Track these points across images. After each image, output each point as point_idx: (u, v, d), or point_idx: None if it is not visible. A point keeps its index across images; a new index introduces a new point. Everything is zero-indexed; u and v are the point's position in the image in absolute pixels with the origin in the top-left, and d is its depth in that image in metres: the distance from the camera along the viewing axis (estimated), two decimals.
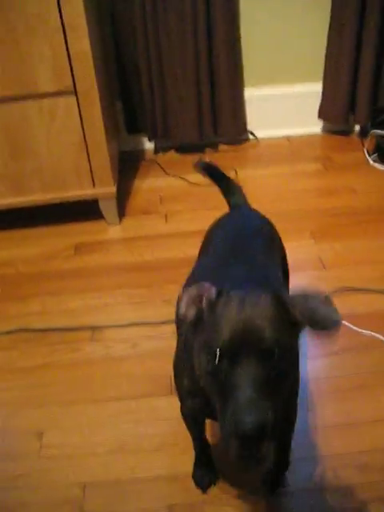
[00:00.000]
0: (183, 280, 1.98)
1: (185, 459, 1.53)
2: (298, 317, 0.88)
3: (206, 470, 1.47)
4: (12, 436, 1.63)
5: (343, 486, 1.45)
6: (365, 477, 1.47)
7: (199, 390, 1.00)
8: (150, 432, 1.61)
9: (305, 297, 0.91)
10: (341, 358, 1.78)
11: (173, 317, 1.95)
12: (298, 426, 1.43)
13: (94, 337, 1.93)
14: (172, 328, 1.92)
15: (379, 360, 1.78)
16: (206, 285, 0.94)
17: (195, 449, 1.47)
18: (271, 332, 0.85)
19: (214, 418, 1.08)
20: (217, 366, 0.86)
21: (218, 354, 0.85)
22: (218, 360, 0.85)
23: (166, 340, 1.89)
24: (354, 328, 1.85)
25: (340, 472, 1.48)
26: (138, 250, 2.32)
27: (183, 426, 1.59)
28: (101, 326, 1.97)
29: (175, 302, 1.08)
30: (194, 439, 1.43)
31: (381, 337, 1.84)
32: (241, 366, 0.84)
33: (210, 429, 1.49)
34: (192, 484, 1.47)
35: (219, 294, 0.92)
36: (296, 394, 1.17)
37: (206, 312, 0.91)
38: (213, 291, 0.92)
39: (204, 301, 0.92)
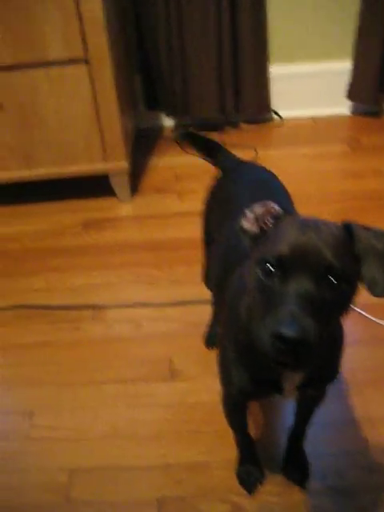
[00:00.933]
0: (193, 260, 1.90)
1: (180, 449, 1.44)
2: (357, 253, 0.84)
3: (252, 468, 1.37)
4: (1, 415, 1.55)
5: (351, 486, 1.34)
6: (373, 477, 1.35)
7: (245, 359, 1.00)
8: (146, 418, 1.52)
9: (377, 237, 0.84)
10: (356, 349, 1.65)
11: (181, 298, 1.88)
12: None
13: (96, 316, 1.84)
14: (179, 311, 1.84)
15: None
16: (272, 203, 0.91)
17: (239, 444, 1.37)
18: (332, 255, 0.80)
19: (259, 395, 1.12)
20: (269, 278, 0.81)
21: (271, 261, 0.81)
22: (272, 272, 0.81)
23: (171, 322, 1.81)
24: (372, 318, 1.72)
25: (348, 472, 1.37)
26: (149, 229, 2.22)
27: (181, 413, 1.51)
28: (104, 305, 1.88)
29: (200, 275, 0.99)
30: (238, 432, 1.33)
31: None
32: (292, 280, 0.79)
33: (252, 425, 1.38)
34: (185, 475, 1.38)
35: (284, 211, 0.90)
36: (340, 343, 1.07)
37: (269, 227, 0.88)
38: (278, 209, 0.89)
39: (269, 218, 0.89)
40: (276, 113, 2.89)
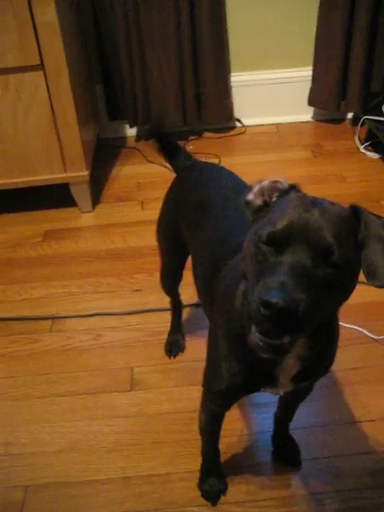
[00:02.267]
0: (154, 268, 1.86)
1: (139, 461, 1.40)
2: (361, 239, 0.81)
3: (215, 479, 1.32)
4: None
5: (314, 494, 1.31)
6: (337, 484, 1.32)
7: (236, 347, 0.97)
8: (104, 430, 1.47)
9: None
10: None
11: (141, 307, 1.84)
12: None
13: (55, 327, 1.80)
14: (139, 319, 1.80)
15: (361, 356, 1.64)
16: (281, 179, 0.89)
17: (207, 455, 1.32)
18: (333, 236, 0.77)
19: (248, 390, 1.08)
20: (266, 248, 0.79)
21: (270, 233, 0.78)
22: (269, 242, 0.78)
23: (131, 331, 1.77)
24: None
25: (312, 477, 1.34)
26: (111, 238, 2.19)
27: (141, 424, 1.47)
28: (62, 316, 1.83)
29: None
30: (209, 442, 1.28)
31: (365, 331, 1.70)
32: (288, 252, 0.77)
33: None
34: (145, 488, 1.33)
35: (291, 188, 0.87)
36: (336, 335, 1.04)
37: (272, 201, 0.87)
38: (285, 184, 0.88)
39: (274, 192, 0.87)
40: (239, 120, 2.89)
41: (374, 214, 0.83)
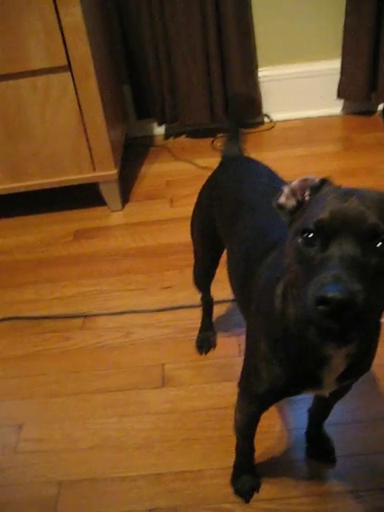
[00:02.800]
0: (185, 265, 1.86)
1: (171, 457, 1.39)
2: None
3: (248, 477, 1.31)
4: None
5: (350, 491, 1.29)
6: (373, 481, 1.29)
7: (278, 350, 0.95)
8: (136, 427, 1.47)
9: None
10: None
11: (171, 304, 1.84)
12: None
13: (86, 325, 1.81)
14: (169, 316, 1.80)
15: None
16: (310, 176, 0.87)
17: (242, 453, 1.30)
18: (376, 217, 0.74)
19: (290, 393, 1.04)
20: (310, 246, 0.76)
21: (311, 228, 0.76)
22: (312, 238, 0.76)
23: (162, 328, 1.77)
24: None
25: (347, 474, 1.31)
26: (140, 236, 2.19)
27: (172, 421, 1.47)
28: (94, 313, 1.84)
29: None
30: (246, 440, 1.26)
31: None
32: (335, 245, 0.74)
33: None
34: (177, 485, 1.33)
35: (323, 182, 0.85)
36: (379, 331, 1.00)
37: (306, 200, 0.85)
38: (316, 180, 0.86)
39: (306, 190, 0.85)
40: (267, 116, 2.87)
41: None
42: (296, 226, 0.82)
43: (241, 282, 1.19)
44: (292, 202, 0.86)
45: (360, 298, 0.69)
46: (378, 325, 0.99)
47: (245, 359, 1.09)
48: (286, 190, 0.87)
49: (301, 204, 0.85)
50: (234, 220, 1.24)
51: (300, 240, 0.77)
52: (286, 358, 0.95)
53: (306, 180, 0.86)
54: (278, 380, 0.98)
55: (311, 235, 0.76)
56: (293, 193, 0.86)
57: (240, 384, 1.13)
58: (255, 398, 1.08)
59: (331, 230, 0.75)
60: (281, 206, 0.87)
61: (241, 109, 1.53)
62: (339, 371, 0.94)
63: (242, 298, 1.20)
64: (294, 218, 0.85)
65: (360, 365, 0.98)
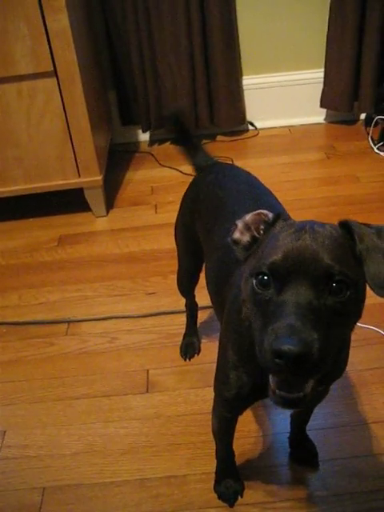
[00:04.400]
0: (169, 271, 1.87)
1: (156, 462, 1.39)
2: (359, 253, 0.78)
3: (231, 481, 1.31)
4: None
5: (333, 495, 1.30)
6: (355, 485, 1.31)
7: (245, 359, 0.96)
8: (120, 432, 1.47)
9: (379, 234, 0.79)
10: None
11: (155, 310, 1.85)
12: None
13: (70, 330, 1.80)
14: (154, 322, 1.81)
15: (378, 356, 1.62)
16: (263, 211, 0.86)
17: (221, 457, 1.31)
18: (331, 258, 0.74)
19: (257, 399, 1.07)
20: (264, 289, 0.76)
21: (265, 271, 0.76)
22: (267, 281, 0.75)
23: (147, 334, 1.77)
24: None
25: (330, 478, 1.33)
26: (125, 242, 2.19)
27: (157, 426, 1.47)
28: (78, 319, 1.84)
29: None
30: (222, 444, 1.27)
31: (381, 331, 1.68)
32: (289, 290, 0.73)
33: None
34: (162, 490, 1.33)
35: (277, 217, 0.84)
36: (348, 344, 1.01)
37: (260, 235, 0.84)
38: (270, 215, 0.84)
39: (260, 225, 0.84)
40: (251, 124, 2.89)
41: (365, 224, 0.81)
42: (251, 264, 0.82)
43: (216, 289, 1.20)
44: (246, 238, 0.85)
45: (315, 347, 0.70)
46: (347, 341, 0.99)
47: (217, 364, 1.10)
48: (239, 224, 0.86)
49: (255, 239, 0.85)
50: (212, 226, 1.25)
51: (255, 282, 0.77)
52: (253, 367, 0.95)
53: (259, 214, 0.85)
54: (245, 387, 1.00)
55: (266, 278, 0.76)
56: (247, 228, 0.85)
57: (214, 388, 1.14)
58: (225, 402, 1.10)
59: (285, 273, 0.74)
60: (236, 242, 0.86)
61: (181, 118, 1.53)
62: None
63: (216, 303, 1.21)
64: (249, 254, 0.85)
65: (329, 375, 0.98)
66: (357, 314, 0.79)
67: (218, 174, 1.37)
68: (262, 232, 0.84)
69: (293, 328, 0.70)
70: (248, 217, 0.86)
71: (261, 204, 1.17)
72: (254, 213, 0.86)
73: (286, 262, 0.75)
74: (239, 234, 0.86)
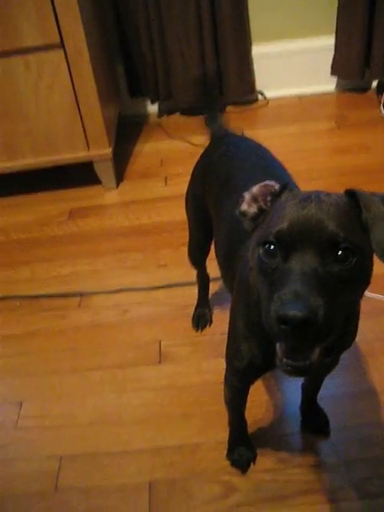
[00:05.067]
0: (180, 243, 1.87)
1: (169, 432, 1.42)
2: (365, 221, 0.78)
3: (244, 448, 1.34)
4: None
5: (343, 462, 1.32)
6: (366, 452, 1.33)
7: (255, 330, 0.97)
8: (134, 403, 1.50)
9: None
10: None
11: (167, 282, 1.86)
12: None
13: (82, 303, 1.82)
14: (165, 294, 1.82)
15: None
16: (270, 182, 0.87)
17: (233, 426, 1.33)
18: (336, 225, 0.75)
19: (268, 368, 1.05)
20: (271, 257, 0.77)
21: (272, 240, 0.77)
22: (273, 250, 0.77)
23: (158, 306, 1.79)
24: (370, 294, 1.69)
25: (341, 445, 1.35)
26: (135, 214, 2.20)
27: (170, 397, 1.49)
28: (90, 292, 1.86)
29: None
30: (234, 414, 1.29)
31: None
32: (295, 257, 0.74)
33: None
34: (176, 458, 1.36)
35: (283, 188, 0.85)
36: (357, 312, 1.02)
37: (267, 206, 0.85)
38: (276, 186, 0.85)
39: (267, 197, 0.85)
40: (261, 93, 2.86)
41: (370, 193, 0.81)
42: (258, 234, 0.83)
43: (225, 261, 1.21)
44: (253, 209, 0.86)
45: (320, 313, 0.71)
46: (355, 309, 1.00)
47: (228, 335, 1.12)
48: (246, 196, 0.87)
49: (262, 210, 0.86)
50: (222, 198, 1.25)
51: (261, 251, 0.78)
52: (263, 338, 0.96)
53: (266, 186, 0.86)
54: (256, 357, 1.02)
55: (272, 247, 0.77)
56: (254, 199, 0.86)
57: (225, 358, 1.15)
58: (237, 372, 1.12)
59: (291, 241, 0.75)
60: (243, 213, 0.87)
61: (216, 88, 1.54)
62: None
63: (226, 276, 1.22)
64: (256, 225, 0.86)
65: (338, 344, 1.00)
66: (364, 282, 0.80)
67: (229, 146, 1.37)
68: (268, 203, 0.85)
69: (298, 294, 0.71)
70: (255, 188, 0.87)
71: (270, 176, 1.17)
72: (261, 184, 0.87)
73: (292, 230, 0.76)
74: (246, 206, 0.87)
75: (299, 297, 0.70)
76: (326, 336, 0.74)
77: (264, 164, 1.27)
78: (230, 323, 1.12)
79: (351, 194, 0.80)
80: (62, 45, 2.00)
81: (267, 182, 0.87)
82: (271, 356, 0.96)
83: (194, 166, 1.45)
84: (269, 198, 0.85)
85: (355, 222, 0.78)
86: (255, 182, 0.91)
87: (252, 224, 0.87)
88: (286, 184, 0.86)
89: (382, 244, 0.77)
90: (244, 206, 0.87)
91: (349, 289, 0.76)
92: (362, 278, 0.79)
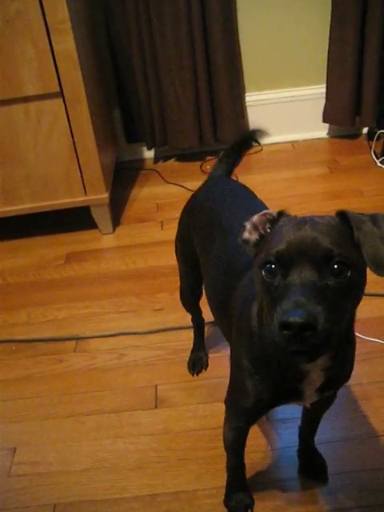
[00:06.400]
0: (175, 287, 1.88)
1: (165, 478, 1.40)
2: (357, 239, 0.84)
3: (242, 495, 1.32)
4: None
5: (343, 509, 1.30)
6: (365, 498, 1.31)
7: (259, 365, 1.00)
8: (130, 448, 1.48)
9: (374, 220, 0.85)
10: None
11: (163, 326, 1.86)
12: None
13: (79, 347, 1.82)
14: (161, 338, 1.82)
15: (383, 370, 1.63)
16: (268, 211, 0.93)
17: (232, 470, 1.31)
18: (329, 242, 0.81)
19: (275, 405, 1.10)
20: (272, 276, 0.83)
21: (272, 260, 0.83)
22: (274, 269, 0.83)
23: (154, 350, 1.79)
24: (357, 335, 1.70)
25: (339, 492, 1.33)
26: (131, 258, 2.22)
27: (166, 442, 1.48)
28: (86, 336, 1.86)
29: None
30: (234, 458, 1.28)
31: None
32: (293, 273, 0.80)
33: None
34: (172, 505, 1.33)
35: (280, 214, 0.91)
36: (353, 342, 1.06)
37: (266, 232, 0.91)
38: (274, 214, 0.92)
39: (266, 224, 0.91)
40: (255, 139, 2.92)
41: (359, 213, 0.87)
42: (259, 258, 0.88)
43: (219, 304, 1.23)
44: (255, 236, 0.92)
45: (320, 319, 0.76)
46: (351, 339, 1.04)
47: (231, 376, 1.13)
48: (247, 225, 0.93)
49: (262, 237, 0.91)
50: (210, 241, 1.28)
51: (263, 272, 0.84)
52: (268, 374, 1.00)
53: (265, 214, 0.92)
54: (263, 394, 1.03)
55: (273, 266, 0.83)
56: (254, 227, 0.92)
57: (226, 401, 1.17)
58: (242, 412, 1.13)
59: (289, 259, 0.81)
60: (246, 241, 0.93)
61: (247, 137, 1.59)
62: (318, 384, 0.99)
63: (221, 319, 1.24)
64: (257, 251, 0.91)
65: (337, 376, 1.04)
66: (359, 294, 0.86)
67: (216, 188, 1.41)
68: (268, 230, 0.91)
69: (299, 303, 0.76)
70: (255, 218, 0.93)
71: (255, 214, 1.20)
72: (260, 214, 0.93)
73: (290, 249, 0.82)
74: (248, 234, 0.93)
75: (300, 305, 0.76)
76: (326, 345, 0.79)
77: (248, 204, 1.31)
78: (232, 364, 1.12)
79: (342, 215, 0.86)
80: (61, 93, 2.06)
81: (266, 211, 0.93)
82: (275, 392, 1.01)
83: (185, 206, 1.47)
84: (267, 225, 0.91)
85: (347, 240, 0.84)
86: (240, 222, 0.96)
87: (254, 250, 0.92)
88: (283, 210, 0.92)
89: (374, 258, 0.83)
90: (246, 235, 0.93)
91: (345, 300, 0.82)
92: (356, 291, 0.84)
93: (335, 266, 0.80)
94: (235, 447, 1.25)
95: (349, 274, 0.80)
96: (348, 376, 1.09)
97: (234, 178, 2.52)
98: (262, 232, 0.92)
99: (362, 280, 0.85)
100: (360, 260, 0.83)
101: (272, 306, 0.81)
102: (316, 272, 0.79)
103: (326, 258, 0.80)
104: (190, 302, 1.61)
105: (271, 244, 0.85)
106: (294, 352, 0.78)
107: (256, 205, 1.32)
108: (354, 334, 1.05)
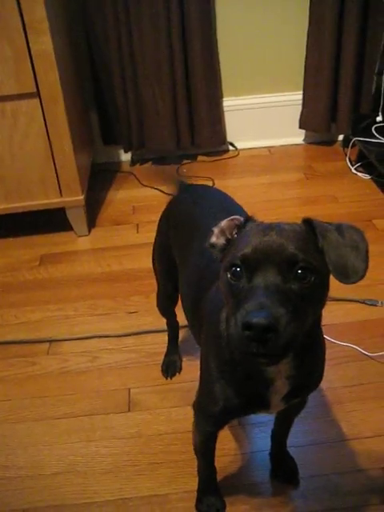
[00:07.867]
0: (150, 290, 1.88)
1: (137, 482, 1.39)
2: (321, 246, 0.85)
3: (213, 498, 1.32)
4: None
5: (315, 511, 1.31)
6: (336, 501, 1.32)
7: (229, 374, 1.01)
8: (102, 452, 1.47)
9: (339, 230, 0.87)
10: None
11: (137, 329, 1.86)
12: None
13: (52, 350, 1.80)
14: (135, 341, 1.82)
15: (356, 374, 1.65)
16: (236, 216, 0.94)
17: (203, 474, 1.32)
18: (294, 248, 0.82)
19: (242, 412, 1.13)
20: (237, 279, 0.83)
21: (237, 263, 0.83)
22: (239, 272, 0.83)
23: (128, 353, 1.78)
24: (331, 339, 1.72)
25: (311, 495, 1.34)
26: (106, 261, 2.21)
27: (139, 445, 1.47)
28: (60, 338, 1.84)
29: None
30: (205, 462, 1.28)
31: (358, 348, 1.71)
32: (258, 276, 0.81)
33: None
34: (144, 509, 1.33)
35: (247, 220, 0.92)
36: (322, 351, 1.07)
37: (233, 237, 0.92)
38: (241, 218, 0.93)
39: (233, 229, 0.92)
40: (232, 144, 2.94)
41: (325, 222, 0.88)
42: (225, 261, 0.88)
43: (191, 307, 1.24)
44: (221, 241, 0.93)
45: (282, 321, 0.77)
46: (318, 348, 1.05)
47: (200, 380, 1.13)
48: (215, 230, 0.94)
49: (229, 242, 0.92)
50: (186, 246, 1.29)
51: (229, 275, 0.85)
52: (234, 379, 1.01)
53: (233, 219, 0.93)
54: (230, 400, 1.03)
55: (238, 269, 0.83)
56: (222, 232, 0.93)
57: (195, 405, 1.18)
58: (210, 417, 1.13)
59: (255, 263, 0.82)
60: (212, 245, 0.94)
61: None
62: (283, 392, 1.00)
63: (193, 322, 1.25)
64: (224, 255, 0.92)
65: (304, 385, 1.05)
66: (322, 300, 0.87)
67: (191, 193, 1.42)
68: (235, 235, 0.92)
69: (262, 304, 0.77)
70: (223, 223, 0.94)
71: None
72: (228, 219, 0.94)
73: (255, 253, 0.83)
74: (215, 239, 0.94)
75: (263, 307, 0.76)
76: (287, 348, 0.79)
77: (226, 209, 1.32)
78: (201, 368, 1.13)
79: (308, 223, 0.88)
80: (37, 93, 2.04)
81: (234, 217, 0.94)
82: (244, 398, 1.00)
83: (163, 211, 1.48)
84: (235, 231, 0.92)
85: (312, 247, 0.85)
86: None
87: (220, 254, 0.93)
88: (250, 216, 0.93)
89: (338, 267, 0.85)
90: (213, 239, 0.94)
91: (308, 305, 0.83)
92: (319, 296, 0.86)
93: (299, 271, 0.81)
94: (204, 451, 1.26)
95: (312, 279, 0.81)
96: (317, 384, 1.10)
97: (210, 182, 2.56)
98: (229, 237, 0.92)
99: (324, 286, 0.86)
100: (324, 267, 0.84)
101: (236, 307, 0.81)
102: (280, 276, 0.80)
103: (291, 263, 0.81)
104: (166, 307, 1.61)
105: (238, 247, 0.86)
106: (255, 354, 0.79)
107: (235, 210, 1.32)
108: (324, 344, 1.06)
